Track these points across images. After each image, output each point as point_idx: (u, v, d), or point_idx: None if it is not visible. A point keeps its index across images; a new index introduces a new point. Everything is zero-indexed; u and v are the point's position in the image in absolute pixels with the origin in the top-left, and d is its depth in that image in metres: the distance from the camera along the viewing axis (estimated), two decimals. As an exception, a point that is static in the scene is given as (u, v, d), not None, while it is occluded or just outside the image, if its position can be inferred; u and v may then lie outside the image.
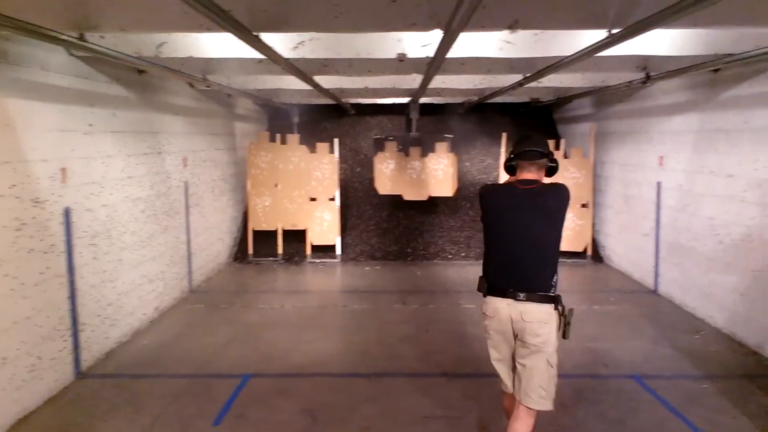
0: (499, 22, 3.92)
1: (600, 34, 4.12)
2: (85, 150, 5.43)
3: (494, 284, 3.40)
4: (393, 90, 8.67)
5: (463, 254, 10.18)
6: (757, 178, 5.73)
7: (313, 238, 9.88)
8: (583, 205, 9.79)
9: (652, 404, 4.65)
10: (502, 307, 3.34)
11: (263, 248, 9.88)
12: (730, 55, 5.11)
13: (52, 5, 3.81)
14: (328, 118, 12.29)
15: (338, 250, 9.98)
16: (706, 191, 6.66)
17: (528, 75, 6.39)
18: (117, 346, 5.89)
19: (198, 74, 6.52)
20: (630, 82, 7.10)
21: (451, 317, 6.91)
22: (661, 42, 5.15)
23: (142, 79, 6.53)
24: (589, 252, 9.79)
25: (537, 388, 3.28)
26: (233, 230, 10.02)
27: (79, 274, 5.23)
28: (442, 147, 10.40)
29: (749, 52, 4.92)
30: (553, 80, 7.55)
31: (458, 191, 10.72)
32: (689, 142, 7.07)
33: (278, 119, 12.10)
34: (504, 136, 9.93)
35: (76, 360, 5.18)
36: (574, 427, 4.29)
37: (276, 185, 9.77)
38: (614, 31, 3.94)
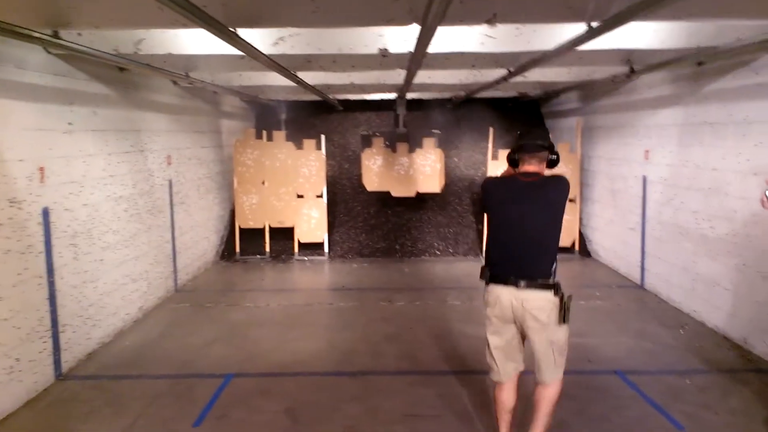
0: (477, 16, 3.88)
1: (580, 28, 4.09)
2: (65, 149, 5.37)
3: (496, 273, 3.53)
4: (379, 86, 8.62)
5: (451, 250, 10.16)
6: (741, 171, 5.73)
7: (301, 236, 9.83)
8: (571, 200, 9.75)
9: (635, 400, 4.64)
10: (503, 295, 3.48)
11: (250, 246, 9.83)
12: (712, 47, 5.10)
13: (23, 2, 3.75)
14: (315, 115, 12.23)
15: (326, 248, 9.94)
16: (690, 185, 6.66)
17: (512, 69, 6.37)
18: (99, 347, 5.84)
19: (180, 71, 6.46)
20: (615, 76, 7.08)
21: (437, 314, 6.89)
22: (644, 35, 5.13)
23: (123, 77, 6.46)
24: (577, 247, 9.79)
25: (548, 365, 3.51)
26: (220, 228, 9.95)
27: (59, 275, 5.17)
28: (429, 143, 10.37)
29: (731, 44, 4.91)
30: (539, 75, 7.52)
31: (446, 187, 10.69)
32: (674, 135, 7.07)
33: (265, 116, 12.04)
34: (491, 131, 9.90)
35: (57, 361, 5.13)
36: (556, 425, 4.25)
37: (263, 183, 9.72)
38: (593, 24, 3.91)
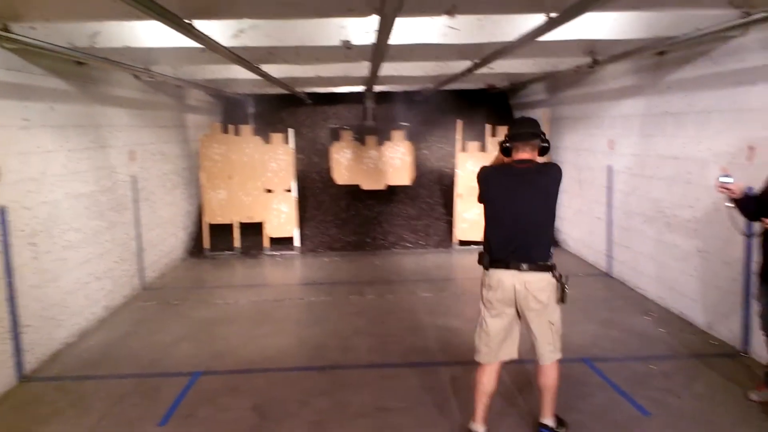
0: (436, 7, 3.87)
1: (540, 18, 4.11)
2: (22, 145, 5.22)
3: (497, 257, 3.69)
4: (346, 78, 8.57)
5: (422, 243, 10.18)
6: (701, 160, 5.83)
7: (271, 231, 9.75)
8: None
9: (602, 387, 4.70)
10: (506, 278, 3.63)
11: (219, 242, 9.72)
12: (671, 37, 5.16)
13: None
14: (284, 109, 12.14)
15: (296, 242, 9.88)
16: (654, 174, 6.76)
17: (477, 61, 6.37)
18: (63, 347, 5.72)
19: (139, 65, 6.33)
20: (578, 66, 7.14)
21: (407, 307, 6.89)
22: (604, 26, 5.18)
23: (81, 71, 6.30)
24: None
25: (546, 346, 3.69)
26: (188, 224, 9.82)
27: (19, 275, 5.04)
28: (398, 135, 10.36)
29: (689, 34, 4.97)
30: (505, 66, 7.55)
31: (416, 179, 10.70)
32: (637, 125, 7.16)
33: (233, 110, 11.90)
34: (459, 123, 9.92)
35: (19, 363, 5.01)
36: (525, 414, 4.31)
37: (230, 177, 9.60)
38: (552, 14, 3.92)
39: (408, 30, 5.02)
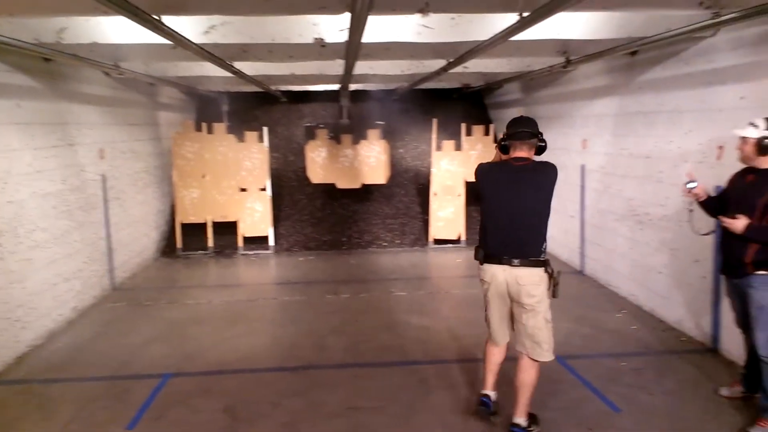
0: (409, 5, 3.85)
1: (513, 18, 4.11)
2: (-15, 144, 5.10)
3: (491, 252, 3.78)
4: (321, 76, 8.52)
5: (398, 241, 10.17)
6: (672, 159, 5.89)
7: (245, 230, 9.66)
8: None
9: (573, 384, 4.73)
10: (498, 273, 3.75)
11: (193, 242, 9.60)
12: (642, 38, 5.21)
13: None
14: (258, 107, 12.04)
15: (271, 241, 9.80)
16: (626, 173, 6.82)
17: (451, 60, 6.37)
18: (29, 350, 5.58)
19: (108, 61, 6.21)
20: (552, 66, 7.18)
21: (382, 306, 6.87)
22: (577, 26, 5.20)
23: (49, 68, 6.17)
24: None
25: (542, 343, 3.75)
26: (160, 224, 9.68)
27: (-18, 276, 4.92)
28: (374, 134, 10.33)
29: (661, 34, 5.01)
30: (480, 65, 7.57)
31: (392, 178, 10.69)
32: (610, 125, 7.23)
33: (206, 108, 11.77)
34: (435, 122, 9.93)
35: (-18, 367, 4.90)
36: (496, 411, 4.31)
37: (204, 176, 9.49)
38: (525, 14, 3.93)
39: (382, 28, 5.00)
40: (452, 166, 9.88)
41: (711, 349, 5.30)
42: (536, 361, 3.80)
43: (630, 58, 6.58)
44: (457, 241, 9.93)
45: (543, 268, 3.71)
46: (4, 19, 4.40)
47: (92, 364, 5.33)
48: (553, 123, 9.11)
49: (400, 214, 10.68)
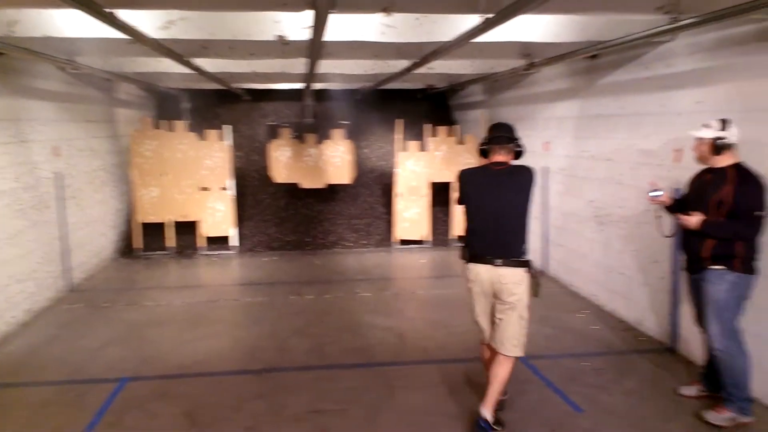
0: (373, 4, 3.82)
1: (476, 19, 4.11)
2: (-69, 140, 4.88)
3: (475, 253, 3.94)
4: (284, 75, 8.43)
5: (363, 242, 10.13)
6: (632, 162, 5.99)
7: (206, 230, 9.49)
8: (478, 190, 9.95)
9: (536, 384, 4.76)
10: (482, 272, 3.90)
11: (152, 242, 9.40)
12: (603, 41, 5.28)
13: None
14: (220, 105, 11.87)
15: (234, 242, 9.65)
16: (587, 175, 6.91)
17: (415, 60, 6.36)
18: (-21, 355, 5.39)
19: (63, 56, 6.02)
20: (515, 69, 7.23)
21: (346, 306, 6.82)
22: (539, 29, 5.24)
23: (1, 62, 5.94)
24: (484, 236, 9.98)
25: (511, 339, 3.90)
26: (118, 224, 9.44)
27: (-73, 278, 4.71)
28: (338, 134, 10.27)
29: (621, 38, 5.09)
30: (444, 66, 7.59)
31: (357, 178, 10.64)
32: (571, 127, 7.31)
33: (167, 105, 11.54)
34: (399, 122, 9.92)
35: (-73, 373, 4.68)
36: (461, 413, 4.31)
37: (163, 175, 9.28)
38: (488, 16, 3.93)
39: (345, 27, 4.95)
40: (417, 166, 9.88)
41: (670, 349, 5.39)
42: (507, 356, 3.91)
43: (591, 62, 6.67)
44: (422, 242, 9.94)
45: (524, 268, 3.87)
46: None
47: (46, 368, 5.16)
48: (516, 125, 9.13)
49: (365, 214, 10.64)
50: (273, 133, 10.45)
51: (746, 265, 3.90)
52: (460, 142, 10.17)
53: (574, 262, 7.31)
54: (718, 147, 3.89)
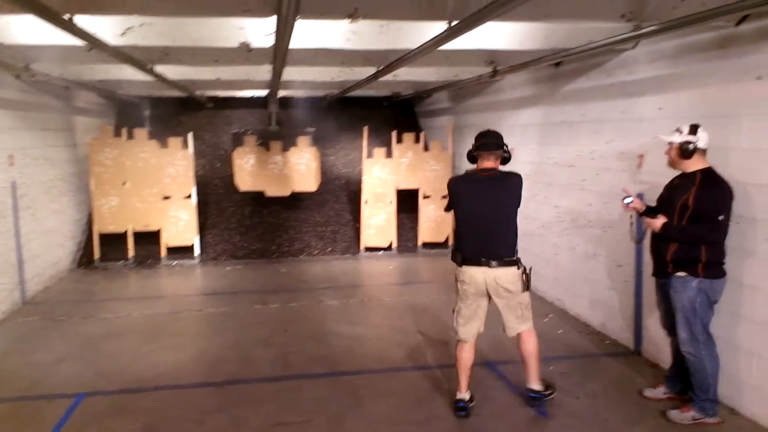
0: (338, 11, 3.78)
1: (442, 26, 4.11)
2: None
3: (468, 256, 4.12)
4: (248, 82, 8.34)
5: (329, 249, 10.05)
6: (594, 168, 6.07)
7: (169, 239, 9.30)
8: (444, 197, 9.97)
9: (503, 390, 4.76)
10: (477, 274, 4.10)
11: (112, 252, 9.16)
12: (566, 49, 5.33)
13: None
14: (183, 112, 11.69)
15: (197, 251, 9.48)
16: (551, 181, 6.98)
17: (381, 68, 6.34)
18: (-74, 372, 5.15)
19: (18, 63, 5.83)
20: (480, 76, 7.27)
21: (311, 315, 6.74)
22: (503, 36, 5.26)
23: (-49, 68, 5.75)
24: (451, 242, 10.02)
25: (518, 318, 4.23)
26: (76, 234, 9.19)
27: None
28: (304, 141, 10.19)
29: (584, 46, 5.14)
30: (409, 74, 7.59)
31: (323, 185, 10.57)
32: (536, 134, 7.38)
33: (127, 113, 11.29)
34: (365, 129, 9.90)
35: None
36: (428, 420, 4.28)
37: (124, 183, 9.07)
38: (453, 23, 3.93)
39: (310, 33, 4.89)
40: (383, 173, 9.86)
41: (634, 352, 5.45)
42: (523, 332, 4.26)
43: (554, 69, 6.75)
44: (388, 249, 9.91)
45: (516, 267, 4.10)
46: None
47: (0, 384, 4.97)
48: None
49: (331, 221, 10.57)
50: (237, 141, 10.31)
51: (710, 270, 3.94)
52: (426, 148, 10.20)
53: (539, 266, 7.31)
54: (686, 151, 3.96)
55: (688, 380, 4.18)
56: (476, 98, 9.41)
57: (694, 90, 4.66)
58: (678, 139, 4.00)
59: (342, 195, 11.06)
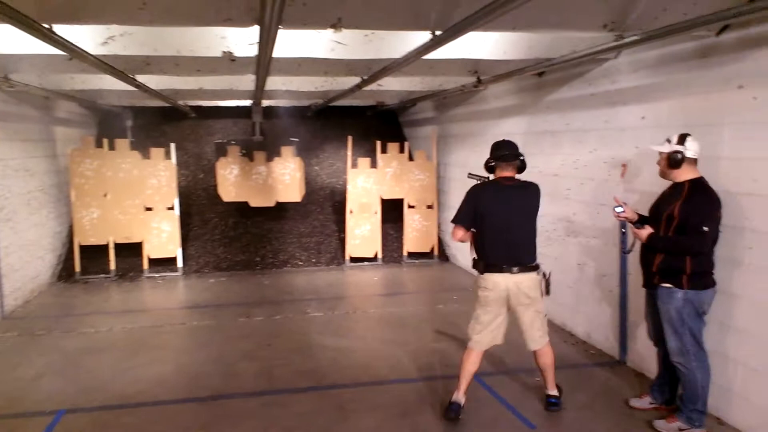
0: (321, 20, 3.75)
1: (425, 36, 4.10)
2: None
3: (491, 263, 4.22)
4: (232, 92, 8.27)
5: (313, 260, 9.98)
6: (578, 177, 6.08)
7: (151, 251, 9.18)
8: (429, 207, 9.99)
9: (490, 401, 4.73)
10: (500, 281, 4.20)
11: (93, 265, 9.02)
12: (549, 59, 5.35)
13: None
14: (166, 122, 11.58)
15: (180, 263, 9.36)
16: (536, 190, 6.97)
17: (365, 77, 6.33)
18: None
19: (-4, 73, 5.75)
20: (464, 86, 7.28)
21: (296, 328, 6.67)
22: (487, 46, 5.28)
23: (-74, 78, 5.64)
24: (436, 251, 10.00)
25: (537, 332, 4.37)
26: (57, 246, 9.03)
27: None
28: (288, 151, 10.13)
29: (567, 55, 5.16)
30: (394, 84, 7.58)
31: (307, 196, 10.52)
32: (519, 144, 7.29)
33: (109, 123, 11.16)
34: (350, 139, 9.87)
35: None
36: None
37: (105, 195, 8.95)
38: (437, 32, 3.92)
39: (293, 43, 4.87)
40: (368, 183, 9.83)
41: (619, 362, 5.45)
42: (544, 346, 4.42)
43: (538, 79, 6.77)
44: (374, 259, 9.86)
45: (536, 272, 4.25)
46: None
47: (-26, 403, 4.84)
48: (466, 141, 9.26)
49: (315, 232, 10.50)
50: (221, 151, 10.23)
51: (695, 281, 3.92)
52: (411, 158, 10.20)
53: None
54: (674, 161, 3.96)
55: (675, 390, 4.17)
56: (460, 108, 9.42)
57: (677, 99, 4.69)
58: (667, 149, 4.01)
59: (327, 205, 11.00)
